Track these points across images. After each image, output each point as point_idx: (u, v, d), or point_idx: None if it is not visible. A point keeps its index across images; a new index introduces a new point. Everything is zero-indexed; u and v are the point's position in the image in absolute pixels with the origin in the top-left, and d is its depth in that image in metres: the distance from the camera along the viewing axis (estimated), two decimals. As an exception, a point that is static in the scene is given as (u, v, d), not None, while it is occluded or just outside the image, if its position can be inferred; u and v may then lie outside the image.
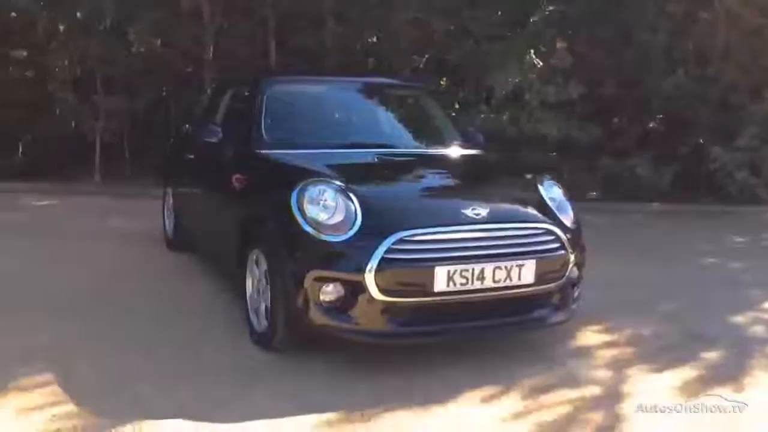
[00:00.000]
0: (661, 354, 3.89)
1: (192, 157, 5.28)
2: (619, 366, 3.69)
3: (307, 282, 3.30)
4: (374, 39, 9.69)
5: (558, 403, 3.23)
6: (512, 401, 3.23)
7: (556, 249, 3.63)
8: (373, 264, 3.21)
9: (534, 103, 8.93)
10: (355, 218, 3.35)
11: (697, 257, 6.63)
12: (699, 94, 9.68)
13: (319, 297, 3.29)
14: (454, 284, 3.32)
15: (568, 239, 3.68)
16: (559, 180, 4.17)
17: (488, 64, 9.15)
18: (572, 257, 3.69)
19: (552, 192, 3.96)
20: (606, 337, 4.15)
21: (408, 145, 4.40)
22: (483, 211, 3.49)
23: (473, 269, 3.35)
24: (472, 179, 4.12)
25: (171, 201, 5.94)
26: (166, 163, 6.46)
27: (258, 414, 2.99)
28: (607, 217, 8.66)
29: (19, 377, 3.28)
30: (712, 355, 3.89)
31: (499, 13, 9.81)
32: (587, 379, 3.52)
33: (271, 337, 3.59)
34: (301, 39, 9.61)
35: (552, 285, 3.65)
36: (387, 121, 4.74)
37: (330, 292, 3.30)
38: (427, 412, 3.09)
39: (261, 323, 3.68)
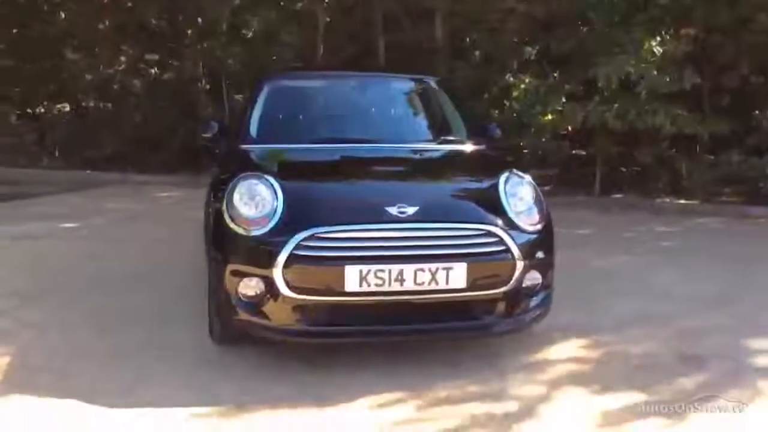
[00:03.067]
0: (630, 375, 3.49)
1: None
2: (563, 385, 3.37)
3: (227, 276, 3.36)
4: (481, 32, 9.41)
5: (455, 415, 3.03)
6: (409, 409, 3.09)
7: (498, 252, 3.38)
8: (281, 259, 3.20)
9: (644, 94, 8.20)
10: (275, 213, 3.35)
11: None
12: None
13: (238, 292, 3.33)
14: (368, 285, 3.21)
15: (518, 243, 3.41)
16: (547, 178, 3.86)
17: (599, 54, 8.55)
18: (522, 263, 3.40)
19: (517, 191, 3.66)
20: (581, 353, 3.79)
21: (394, 140, 4.26)
22: (410, 210, 3.33)
23: (390, 270, 3.22)
24: (426, 176, 3.93)
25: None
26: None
27: (153, 402, 3.09)
28: (722, 221, 7.82)
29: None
30: (685, 382, 3.41)
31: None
32: (514, 395, 3.25)
33: (210, 330, 3.69)
34: (408, 35, 9.62)
35: (494, 291, 3.40)
36: (380, 116, 4.62)
37: (250, 287, 3.31)
38: (313, 412, 3.03)
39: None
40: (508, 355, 3.70)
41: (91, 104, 11.71)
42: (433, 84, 4.95)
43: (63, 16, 11.44)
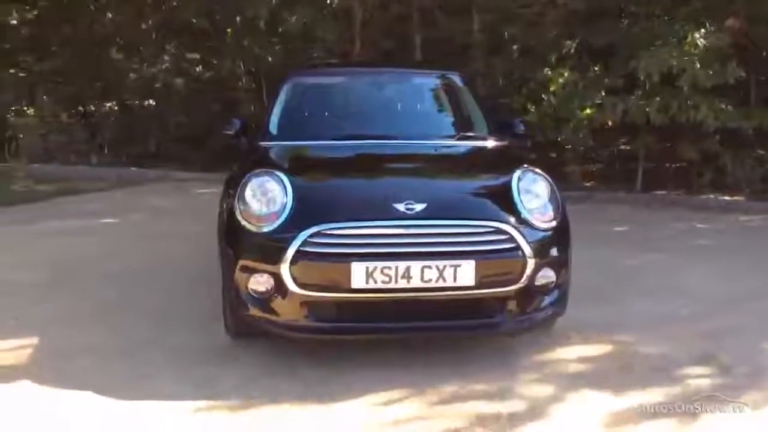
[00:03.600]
0: (644, 376, 3.40)
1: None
2: (574, 385, 3.30)
3: (237, 271, 3.39)
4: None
5: (458, 414, 3.00)
6: (413, 408, 3.07)
7: (508, 250, 3.33)
8: (288, 256, 3.22)
9: (686, 88, 7.97)
10: (284, 210, 3.36)
11: None
12: None
13: (248, 287, 3.36)
14: (375, 282, 3.20)
15: (529, 240, 3.35)
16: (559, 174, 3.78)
17: (641, 47, 8.35)
18: (533, 261, 3.34)
19: (531, 188, 3.59)
20: (596, 352, 3.71)
21: (413, 136, 4.23)
22: (418, 207, 3.30)
23: (397, 267, 3.20)
24: (439, 172, 3.88)
25: None
26: None
27: (157, 395, 3.15)
28: (765, 219, 7.56)
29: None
30: (701, 384, 3.30)
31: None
32: (522, 394, 3.21)
33: (224, 325, 3.73)
34: (445, 31, 9.56)
35: (504, 289, 3.36)
36: (401, 112, 4.59)
37: (259, 282, 3.33)
38: (315, 409, 3.04)
39: (226, 313, 3.81)
40: (521, 354, 3.66)
41: (136, 102, 11.97)
42: (456, 79, 4.90)
43: (110, 16, 11.71)
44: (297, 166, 3.74)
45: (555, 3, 8.99)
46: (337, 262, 3.23)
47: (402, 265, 3.21)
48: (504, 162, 3.90)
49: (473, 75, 9.90)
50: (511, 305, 3.42)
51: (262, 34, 10.21)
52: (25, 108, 12.53)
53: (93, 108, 12.55)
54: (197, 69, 11.56)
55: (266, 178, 3.51)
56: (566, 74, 8.97)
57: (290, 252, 3.22)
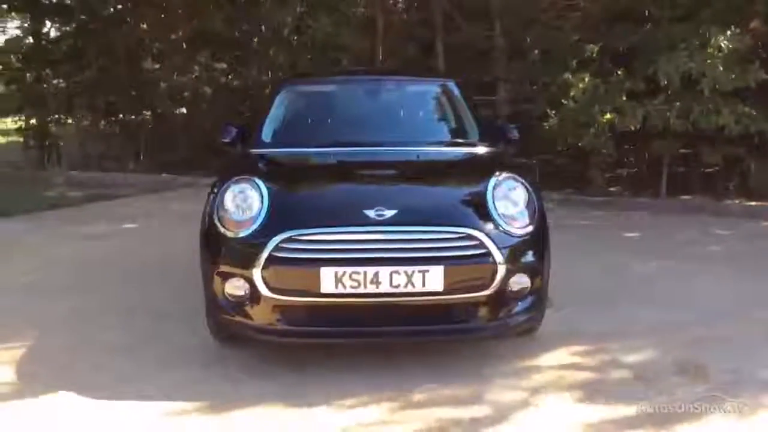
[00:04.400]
0: (622, 385, 3.38)
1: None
2: (548, 392, 3.30)
3: (215, 276, 3.48)
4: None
5: (420, 419, 3.03)
6: (378, 412, 3.10)
7: (478, 256, 3.34)
8: (261, 261, 3.29)
9: (707, 91, 7.81)
10: (260, 216, 3.44)
11: None
12: None
13: (225, 291, 3.44)
14: (344, 287, 3.25)
15: (500, 246, 3.36)
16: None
17: (663, 50, 8.21)
18: (504, 267, 3.35)
19: (507, 194, 3.59)
20: (578, 360, 3.69)
21: (401, 143, 4.25)
22: (389, 213, 3.34)
23: (366, 272, 3.25)
24: (417, 179, 3.88)
25: None
26: None
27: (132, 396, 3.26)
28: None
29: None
30: (679, 394, 3.25)
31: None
32: (491, 400, 3.22)
33: (208, 327, 3.82)
34: (466, 36, 9.55)
35: (474, 295, 3.37)
36: (390, 119, 4.60)
37: (235, 287, 3.40)
38: (277, 411, 3.10)
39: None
40: (500, 359, 3.66)
41: (169, 111, 12.28)
42: (450, 86, 4.91)
43: (144, 26, 12.05)
44: (277, 173, 3.82)
45: (575, 6, 8.90)
46: (307, 267, 3.29)
47: (371, 270, 3.25)
48: (484, 168, 3.89)
49: (494, 80, 9.92)
50: (484, 311, 3.42)
51: (287, 43, 10.36)
52: (65, 117, 12.95)
53: (131, 116, 12.93)
54: (228, 77, 11.79)
55: (245, 185, 3.59)
56: (587, 78, 8.88)
57: (262, 257, 3.29)
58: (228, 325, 3.54)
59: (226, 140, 4.68)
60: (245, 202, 3.52)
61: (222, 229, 3.49)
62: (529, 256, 3.52)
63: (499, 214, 3.48)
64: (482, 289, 3.35)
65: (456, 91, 4.86)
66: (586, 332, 4.04)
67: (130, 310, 4.47)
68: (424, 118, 4.76)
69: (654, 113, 8.19)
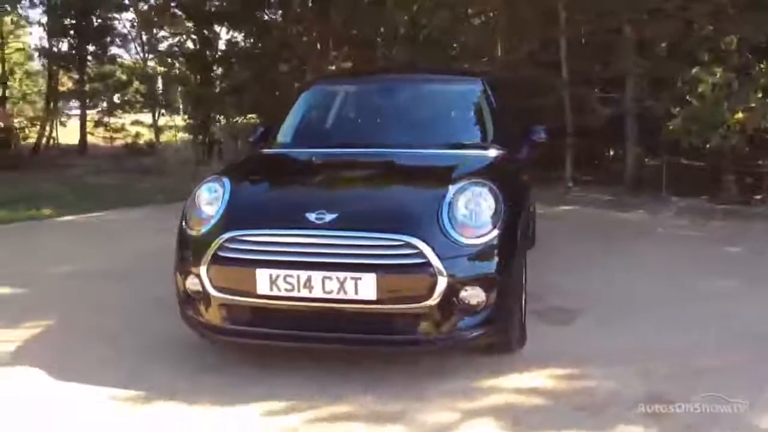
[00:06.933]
0: (567, 416, 3.02)
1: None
2: (481, 417, 3.03)
3: (176, 273, 3.60)
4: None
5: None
6: (289, 420, 3.01)
7: (415, 266, 3.15)
8: (206, 259, 3.35)
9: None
10: (216, 215, 3.50)
11: None
12: None
13: (186, 287, 3.54)
14: (279, 289, 3.22)
15: (443, 256, 3.14)
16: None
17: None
18: (445, 278, 3.13)
19: (467, 202, 3.33)
20: (534, 383, 3.34)
21: (403, 144, 4.06)
22: (328, 217, 3.25)
23: (299, 276, 3.20)
24: (378, 183, 3.71)
25: None
26: None
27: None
28: None
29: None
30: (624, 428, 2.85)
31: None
32: (410, 419, 3.01)
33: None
34: (592, 28, 8.94)
35: (413, 306, 3.18)
36: (401, 120, 4.41)
37: (192, 284, 3.48)
38: (183, 409, 3.12)
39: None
40: (456, 377, 3.41)
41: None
42: (473, 86, 4.66)
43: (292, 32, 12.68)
44: (249, 173, 3.86)
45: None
46: (244, 267, 3.29)
47: (303, 274, 3.19)
48: (456, 174, 3.62)
49: (621, 76, 9.19)
50: (427, 323, 3.22)
51: (405, 42, 10.38)
52: (219, 117, 13.99)
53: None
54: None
55: (214, 184, 3.68)
56: (719, 74, 7.97)
57: (208, 255, 3.35)
58: (188, 319, 3.64)
59: (251, 139, 4.82)
60: (209, 201, 3.60)
61: (184, 226, 3.61)
62: (486, 268, 3.26)
63: (451, 223, 3.25)
64: (420, 300, 3.16)
65: (481, 92, 4.60)
66: (553, 354, 3.66)
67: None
68: (437, 119, 4.55)
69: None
